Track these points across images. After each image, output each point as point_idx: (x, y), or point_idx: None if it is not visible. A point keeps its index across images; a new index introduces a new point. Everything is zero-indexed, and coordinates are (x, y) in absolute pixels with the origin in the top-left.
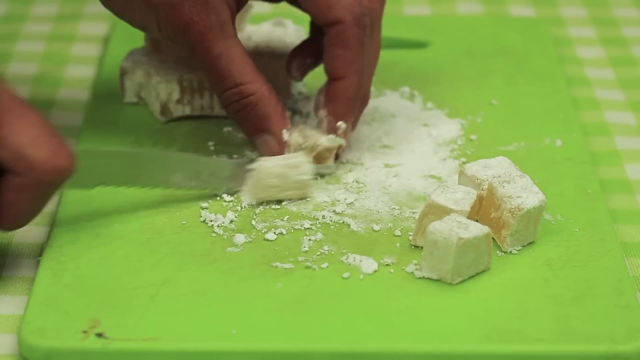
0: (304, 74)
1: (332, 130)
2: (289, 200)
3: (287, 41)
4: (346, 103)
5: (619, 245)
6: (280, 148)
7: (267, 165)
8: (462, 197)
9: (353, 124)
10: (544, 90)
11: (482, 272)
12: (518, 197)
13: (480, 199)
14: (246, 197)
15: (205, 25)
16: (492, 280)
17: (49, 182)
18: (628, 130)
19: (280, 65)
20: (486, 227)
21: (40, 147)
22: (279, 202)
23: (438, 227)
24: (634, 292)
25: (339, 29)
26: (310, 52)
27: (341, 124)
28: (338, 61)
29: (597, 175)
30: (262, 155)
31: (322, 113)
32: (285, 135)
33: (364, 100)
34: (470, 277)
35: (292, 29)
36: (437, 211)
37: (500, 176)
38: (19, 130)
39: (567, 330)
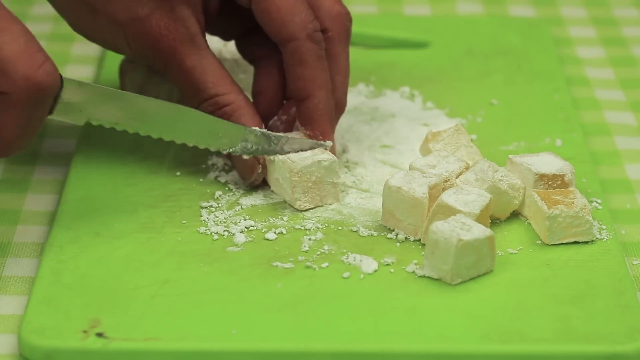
0: None
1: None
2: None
3: None
4: (321, 120)
5: (619, 245)
6: (257, 161)
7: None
8: (473, 200)
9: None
10: (544, 90)
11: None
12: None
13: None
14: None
15: (175, 38)
16: (492, 280)
17: (31, 99)
18: (628, 130)
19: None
20: (489, 229)
21: (21, 63)
22: (280, 200)
23: (440, 227)
24: (634, 292)
25: (294, 47)
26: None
27: (327, 143)
28: (299, 80)
29: (597, 175)
30: (238, 169)
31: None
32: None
33: (338, 108)
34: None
35: None
36: (446, 212)
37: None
38: (1, 43)
39: (567, 330)
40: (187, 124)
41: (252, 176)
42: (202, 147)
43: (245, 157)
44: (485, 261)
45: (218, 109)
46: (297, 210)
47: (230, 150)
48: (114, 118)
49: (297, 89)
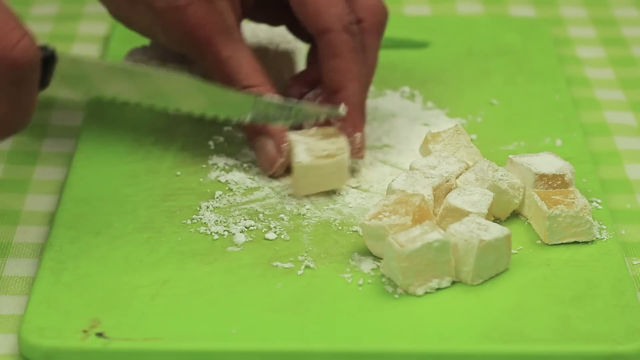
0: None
1: (352, 145)
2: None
3: (290, 37)
4: (352, 112)
5: (619, 245)
6: (278, 153)
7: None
8: (478, 199)
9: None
10: (544, 90)
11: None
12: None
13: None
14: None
15: (211, 29)
16: (492, 280)
17: (11, 78)
18: (628, 130)
19: (284, 60)
20: (506, 228)
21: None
22: (279, 200)
23: (458, 229)
24: (634, 292)
25: (329, 38)
26: (307, 82)
27: (358, 135)
28: (334, 72)
29: (597, 175)
30: (259, 161)
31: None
32: (286, 140)
33: None
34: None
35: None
36: (455, 214)
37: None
38: None
39: (567, 330)
40: (195, 93)
41: (272, 168)
42: (209, 115)
43: (267, 149)
44: (503, 260)
45: None
46: (297, 210)
47: (240, 119)
48: (116, 91)
49: (330, 80)
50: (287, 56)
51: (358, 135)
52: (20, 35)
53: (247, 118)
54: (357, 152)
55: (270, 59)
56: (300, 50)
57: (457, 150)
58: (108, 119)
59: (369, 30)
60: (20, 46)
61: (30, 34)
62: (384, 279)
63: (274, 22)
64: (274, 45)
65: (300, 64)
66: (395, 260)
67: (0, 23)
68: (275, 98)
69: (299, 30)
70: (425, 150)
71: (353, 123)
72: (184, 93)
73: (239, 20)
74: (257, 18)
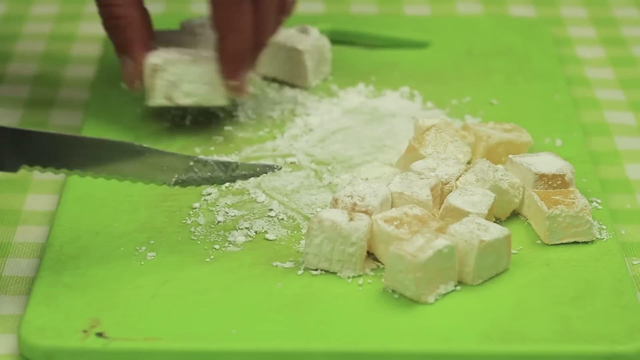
0: None
1: (228, 89)
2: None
3: (308, 40)
4: (230, 61)
5: (619, 245)
6: (135, 73)
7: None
8: (479, 200)
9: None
10: (544, 90)
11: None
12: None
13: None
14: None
15: None
16: (492, 280)
17: None
18: (628, 130)
19: (301, 57)
20: (506, 228)
21: None
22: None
23: (458, 229)
24: (634, 292)
25: None
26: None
27: (231, 83)
28: (215, 20)
29: (597, 175)
30: (123, 76)
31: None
32: (146, 62)
33: (257, 47)
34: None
35: (315, 36)
36: (455, 214)
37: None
38: None
39: (567, 330)
40: (130, 159)
41: (131, 86)
42: (146, 182)
43: (127, 68)
44: (503, 260)
45: (112, 19)
46: (297, 211)
47: (175, 182)
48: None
49: (214, 29)
50: (303, 54)
51: (231, 82)
52: None
53: (184, 179)
54: (234, 93)
55: (287, 55)
56: (306, 49)
57: (446, 147)
58: (108, 119)
59: None
60: None
61: None
62: (384, 279)
63: None
64: (291, 43)
65: (305, 64)
66: (409, 272)
67: None
68: (210, 158)
69: None
70: (414, 158)
71: (229, 71)
72: (122, 159)
73: None
74: None
